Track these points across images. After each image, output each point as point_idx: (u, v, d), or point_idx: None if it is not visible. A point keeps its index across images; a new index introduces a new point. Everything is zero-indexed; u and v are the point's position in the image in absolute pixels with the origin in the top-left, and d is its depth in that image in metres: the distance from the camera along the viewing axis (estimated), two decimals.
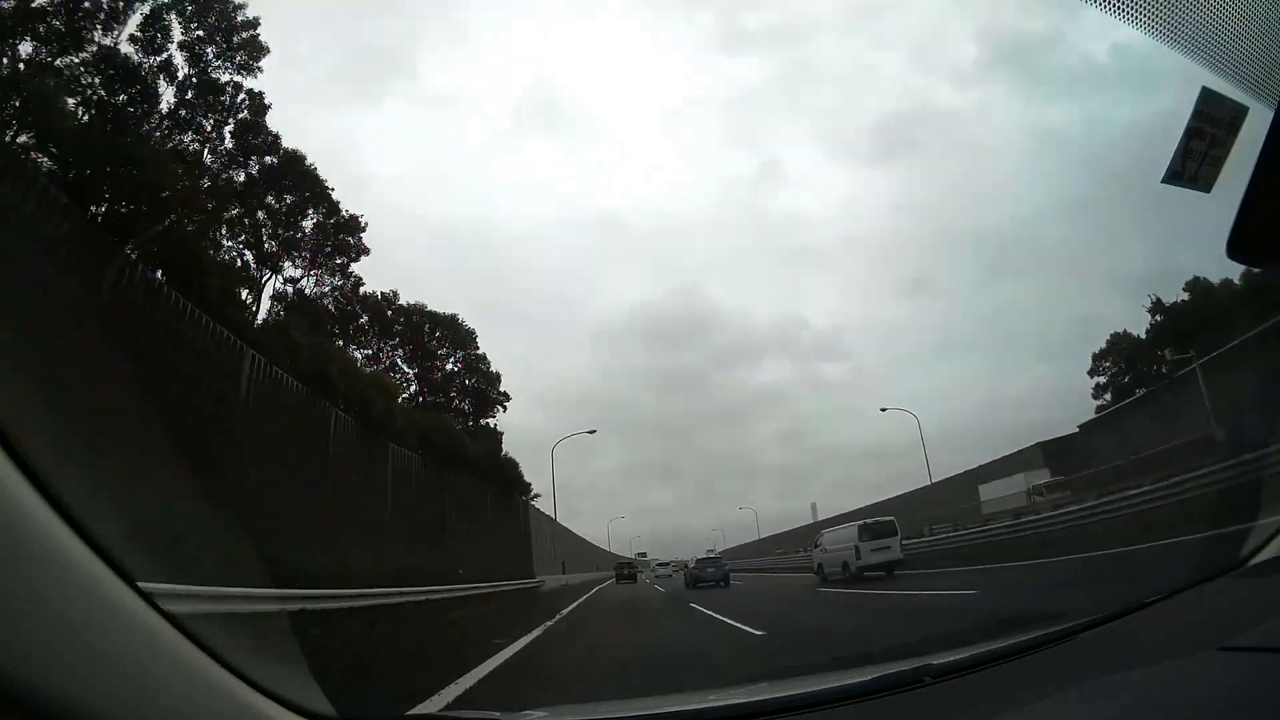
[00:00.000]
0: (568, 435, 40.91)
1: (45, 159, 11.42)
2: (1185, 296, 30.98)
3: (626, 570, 46.71)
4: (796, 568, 32.42)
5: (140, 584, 0.87)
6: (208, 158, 18.27)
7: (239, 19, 18.19)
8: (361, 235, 22.41)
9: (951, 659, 1.94)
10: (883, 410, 40.21)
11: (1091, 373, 37.11)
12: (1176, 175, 2.29)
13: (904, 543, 20.09)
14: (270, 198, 19.82)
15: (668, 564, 59.11)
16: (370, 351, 27.25)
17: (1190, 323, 27.28)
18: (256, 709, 1.07)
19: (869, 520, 20.60)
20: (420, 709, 4.25)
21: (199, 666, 0.97)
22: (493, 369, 32.48)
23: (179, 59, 17.27)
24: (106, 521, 0.88)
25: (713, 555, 35.29)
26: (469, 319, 31.15)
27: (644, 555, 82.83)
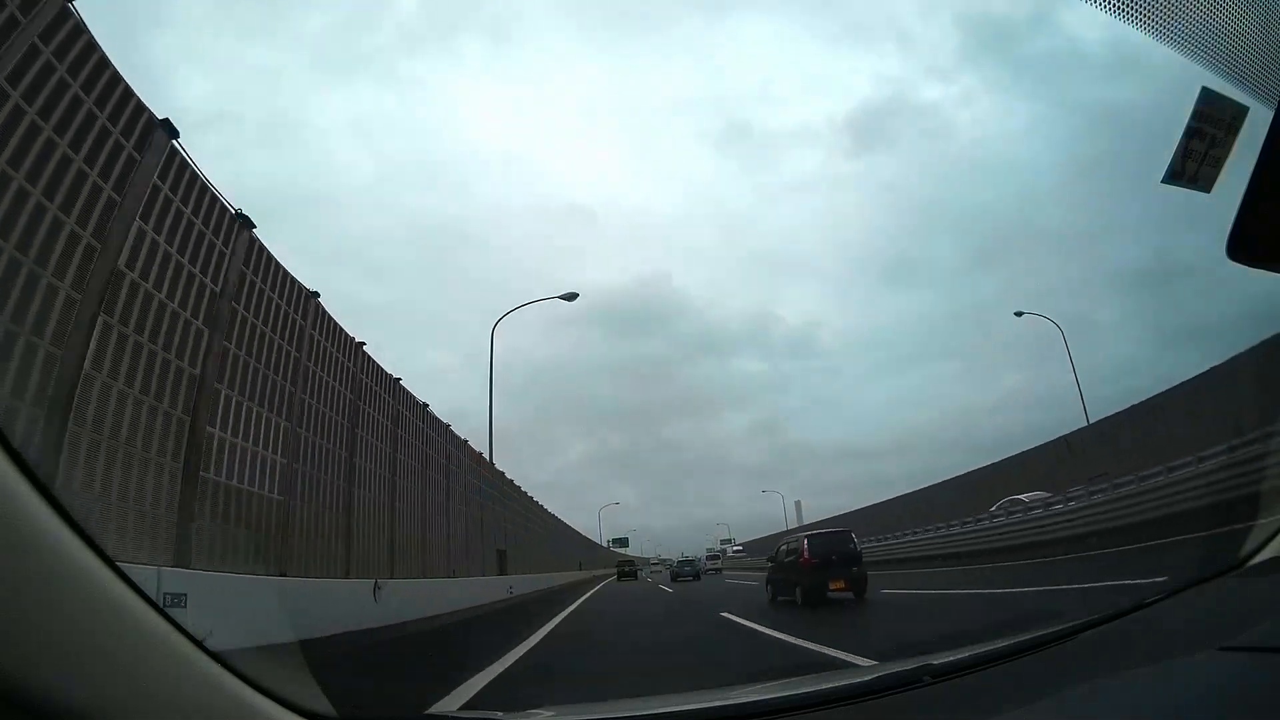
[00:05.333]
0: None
1: None
2: None
3: (628, 569, 50.61)
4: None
5: (135, 579, 0.87)
6: None
7: None
8: None
9: (951, 659, 1.94)
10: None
11: None
12: (1176, 175, 2.29)
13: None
14: None
15: (659, 563, 78.38)
16: None
17: None
18: (255, 708, 1.07)
19: (710, 553, 63.25)
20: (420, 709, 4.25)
21: (196, 664, 0.96)
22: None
23: None
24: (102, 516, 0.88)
25: (697, 556, 56.71)
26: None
27: (624, 543, 78.42)
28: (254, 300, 8.63)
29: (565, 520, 45.76)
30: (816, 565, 12.30)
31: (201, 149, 7.30)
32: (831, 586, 11.99)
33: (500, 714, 2.72)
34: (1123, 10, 1.71)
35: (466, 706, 4.60)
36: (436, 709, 4.27)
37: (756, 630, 8.86)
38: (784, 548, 14.94)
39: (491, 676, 5.91)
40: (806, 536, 13.52)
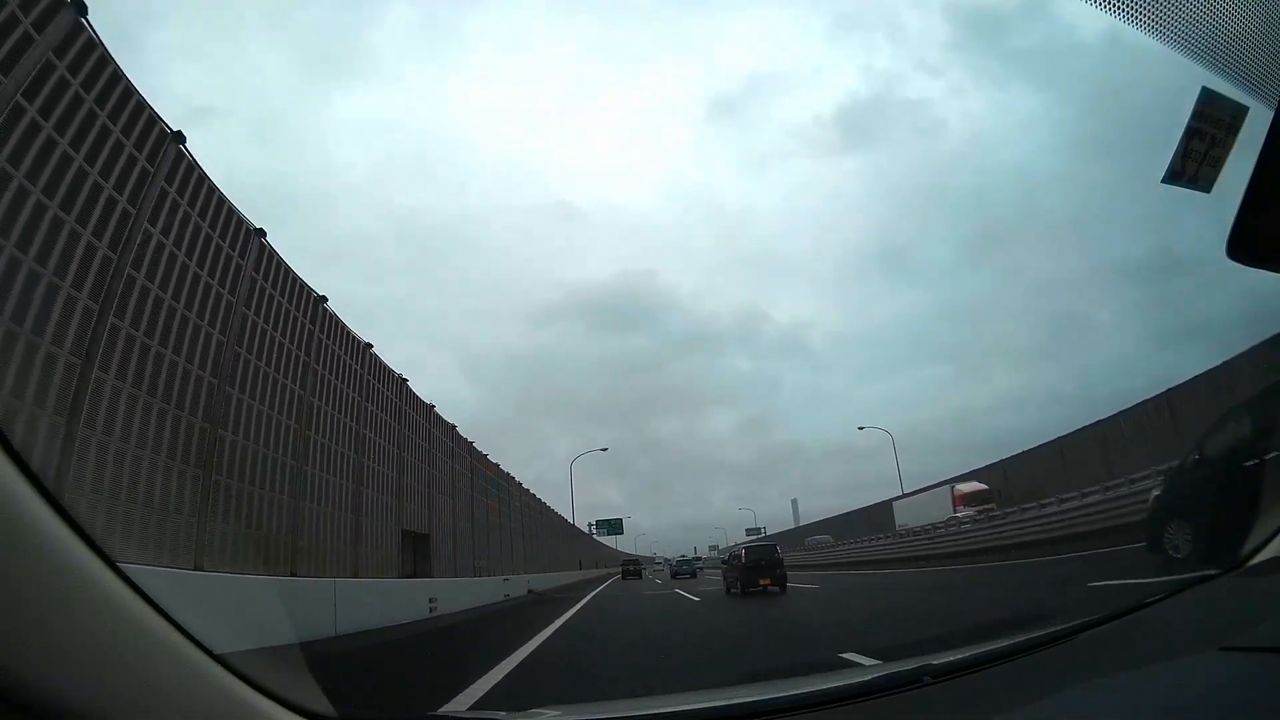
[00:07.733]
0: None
1: None
2: None
3: (632, 567, 50.17)
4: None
5: (133, 577, 0.87)
6: None
7: None
8: None
9: (951, 659, 1.94)
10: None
11: None
12: (1176, 175, 2.29)
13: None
14: None
15: (661, 562, 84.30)
16: None
17: None
18: (255, 708, 1.07)
19: (697, 555, 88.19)
20: (421, 710, 4.23)
21: (197, 665, 0.96)
22: None
23: None
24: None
25: (688, 556, 62.38)
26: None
27: (617, 528, 75.20)
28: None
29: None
30: (749, 566, 16.82)
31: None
32: (760, 582, 16.20)
33: (503, 714, 2.70)
34: (1123, 10, 1.71)
35: (475, 706, 4.53)
36: (445, 710, 4.23)
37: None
38: (731, 553, 21.39)
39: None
40: (744, 546, 18.98)
